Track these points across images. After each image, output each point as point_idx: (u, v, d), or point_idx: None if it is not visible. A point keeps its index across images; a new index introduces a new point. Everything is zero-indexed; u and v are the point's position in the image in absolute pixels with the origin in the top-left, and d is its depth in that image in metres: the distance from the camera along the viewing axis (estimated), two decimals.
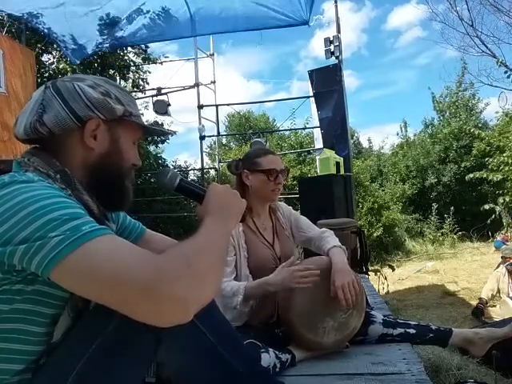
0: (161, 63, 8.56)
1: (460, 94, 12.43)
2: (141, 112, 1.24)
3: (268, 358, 1.41)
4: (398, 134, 14.11)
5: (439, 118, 13.00)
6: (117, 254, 0.69)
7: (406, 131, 13.92)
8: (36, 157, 0.85)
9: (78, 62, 5.50)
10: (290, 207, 1.94)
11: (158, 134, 1.11)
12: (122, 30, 4.90)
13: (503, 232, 7.94)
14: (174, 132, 9.27)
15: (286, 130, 10.96)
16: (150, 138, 8.78)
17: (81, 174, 0.88)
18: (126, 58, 7.99)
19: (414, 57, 35.14)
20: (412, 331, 1.72)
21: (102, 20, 4.76)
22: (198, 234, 0.78)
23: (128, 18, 4.78)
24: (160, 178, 0.99)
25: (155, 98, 7.17)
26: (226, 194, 0.92)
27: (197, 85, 7.40)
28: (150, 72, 8.52)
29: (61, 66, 6.91)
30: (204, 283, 0.71)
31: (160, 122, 8.73)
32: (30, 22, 4.69)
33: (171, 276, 0.66)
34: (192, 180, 9.81)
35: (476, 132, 9.37)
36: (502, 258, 4.35)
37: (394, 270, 5.55)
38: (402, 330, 1.71)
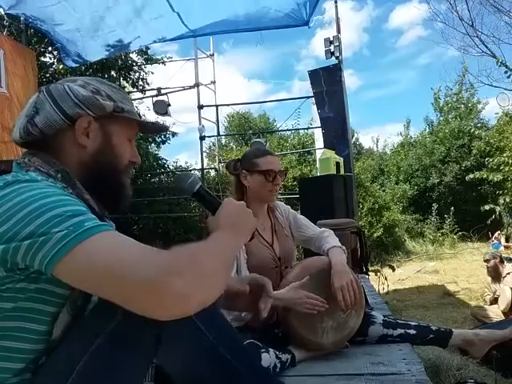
0: (163, 63, 8.53)
1: (460, 94, 12.44)
2: (142, 114, 1.23)
3: (268, 358, 1.41)
4: (401, 134, 14.12)
5: (439, 117, 13.02)
6: (120, 248, 0.70)
7: (408, 130, 13.95)
8: (36, 157, 0.86)
9: (74, 66, 5.53)
10: (289, 206, 1.93)
11: (154, 129, 1.09)
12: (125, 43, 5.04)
13: (503, 233, 7.95)
14: (176, 133, 9.30)
15: (286, 131, 10.96)
16: (150, 139, 8.77)
17: (77, 172, 0.89)
18: (128, 58, 7.99)
19: (416, 56, 35.09)
20: (412, 332, 1.72)
21: (109, 46, 4.89)
22: (207, 240, 0.79)
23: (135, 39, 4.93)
24: (181, 180, 1.00)
25: (155, 99, 7.17)
26: (241, 212, 0.93)
27: (197, 85, 7.40)
28: (152, 73, 8.52)
29: (61, 67, 6.91)
30: (206, 284, 0.71)
31: (161, 123, 8.70)
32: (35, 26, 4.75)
33: (174, 271, 0.67)
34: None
35: (476, 132, 9.38)
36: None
37: (394, 270, 5.55)
38: (402, 331, 1.71)
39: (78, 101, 0.87)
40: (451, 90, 12.71)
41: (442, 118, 12.80)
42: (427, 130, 13.38)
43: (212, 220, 0.92)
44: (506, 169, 8.20)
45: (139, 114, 1.01)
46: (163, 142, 9.19)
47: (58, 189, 0.79)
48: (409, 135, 13.90)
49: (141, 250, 0.70)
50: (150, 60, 8.38)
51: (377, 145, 15.82)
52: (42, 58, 6.87)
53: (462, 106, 12.30)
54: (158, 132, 1.13)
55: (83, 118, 0.88)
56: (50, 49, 6.84)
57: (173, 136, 9.27)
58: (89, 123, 0.89)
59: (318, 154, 5.99)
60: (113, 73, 7.77)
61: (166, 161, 9.63)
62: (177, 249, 0.72)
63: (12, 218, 0.71)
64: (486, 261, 4.32)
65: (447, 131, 11.57)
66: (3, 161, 3.58)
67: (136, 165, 0.99)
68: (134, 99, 7.99)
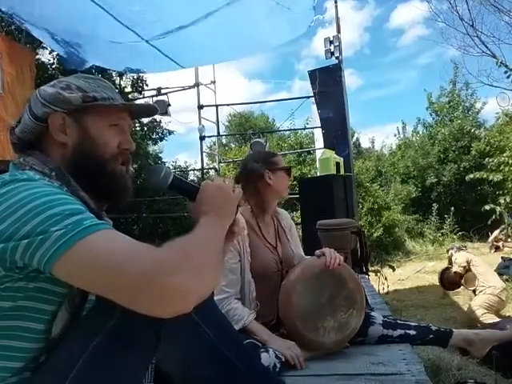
0: None
1: (456, 93, 12.42)
2: None
3: (268, 358, 1.41)
4: (395, 136, 14.13)
5: (435, 118, 13.00)
6: (118, 247, 0.70)
7: (405, 132, 13.95)
8: (31, 156, 0.87)
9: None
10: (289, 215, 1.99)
11: (143, 111, 1.06)
12: None
13: (503, 233, 7.94)
14: (172, 131, 9.27)
15: (287, 130, 10.96)
16: (148, 136, 8.75)
17: (66, 170, 0.88)
18: None
19: (416, 56, 35.15)
20: (412, 332, 1.72)
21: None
22: (195, 232, 0.78)
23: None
24: (153, 176, 0.93)
25: (155, 98, 7.17)
26: (221, 192, 0.89)
27: (197, 85, 7.40)
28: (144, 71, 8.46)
29: (60, 67, 6.90)
30: (202, 276, 0.72)
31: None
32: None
33: (171, 267, 0.67)
34: (191, 180, 9.82)
35: (476, 132, 9.37)
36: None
37: (394, 270, 5.55)
38: (402, 332, 1.71)
39: (44, 100, 0.87)
40: (445, 89, 12.70)
41: (438, 118, 12.78)
42: (425, 131, 13.36)
43: (194, 207, 0.89)
44: (506, 169, 8.19)
45: (128, 100, 0.99)
46: (160, 139, 9.17)
47: (55, 188, 0.79)
48: (406, 135, 13.91)
49: (139, 248, 0.70)
50: None
51: (373, 145, 15.84)
52: (42, 58, 6.87)
53: (459, 106, 12.29)
54: (149, 114, 1.09)
55: (54, 115, 0.88)
56: (49, 49, 6.83)
57: (169, 134, 9.24)
58: (63, 120, 0.88)
59: (318, 154, 5.99)
60: (110, 72, 7.74)
61: (165, 162, 9.65)
62: (170, 245, 0.72)
63: (10, 217, 0.71)
64: (447, 251, 4.81)
65: (446, 132, 11.56)
66: (2, 161, 3.58)
67: (130, 151, 0.96)
68: (134, 99, 7.97)
